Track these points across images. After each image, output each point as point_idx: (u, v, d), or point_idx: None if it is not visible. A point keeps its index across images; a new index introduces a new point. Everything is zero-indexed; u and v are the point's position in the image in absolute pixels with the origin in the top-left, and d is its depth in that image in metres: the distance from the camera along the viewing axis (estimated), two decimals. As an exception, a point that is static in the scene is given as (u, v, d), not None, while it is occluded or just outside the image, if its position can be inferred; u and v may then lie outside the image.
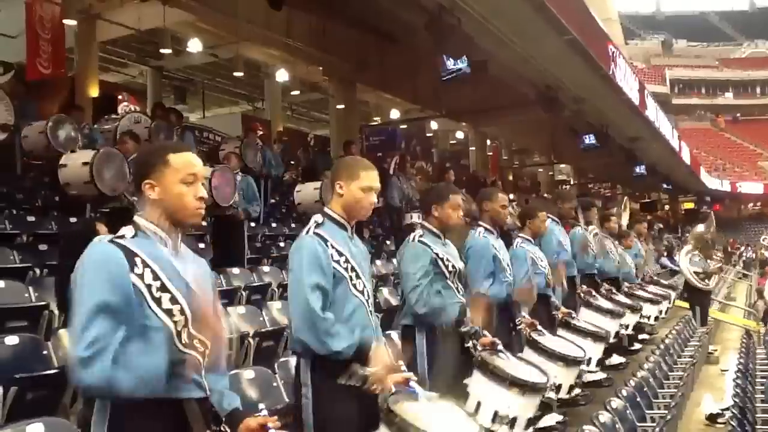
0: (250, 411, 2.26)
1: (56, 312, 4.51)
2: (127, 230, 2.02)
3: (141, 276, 1.93)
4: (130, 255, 1.93)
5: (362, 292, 2.81)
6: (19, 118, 7.32)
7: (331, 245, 2.75)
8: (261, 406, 2.20)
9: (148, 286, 1.93)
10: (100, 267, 1.90)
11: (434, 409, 2.49)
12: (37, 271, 5.31)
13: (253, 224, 7.77)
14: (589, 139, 14.75)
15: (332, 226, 2.83)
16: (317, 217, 2.87)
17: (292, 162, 12.26)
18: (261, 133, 12.29)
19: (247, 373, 4.02)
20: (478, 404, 3.19)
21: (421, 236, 3.66)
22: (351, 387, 2.65)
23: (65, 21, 11.87)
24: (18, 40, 12.57)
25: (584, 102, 13.86)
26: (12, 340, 3.89)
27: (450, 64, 9.55)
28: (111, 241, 1.96)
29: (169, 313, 1.95)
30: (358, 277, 2.80)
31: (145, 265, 1.94)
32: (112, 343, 1.85)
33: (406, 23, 10.10)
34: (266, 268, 6.92)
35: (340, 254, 2.76)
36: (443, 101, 14.91)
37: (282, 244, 8.57)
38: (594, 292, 5.95)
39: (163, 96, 17.44)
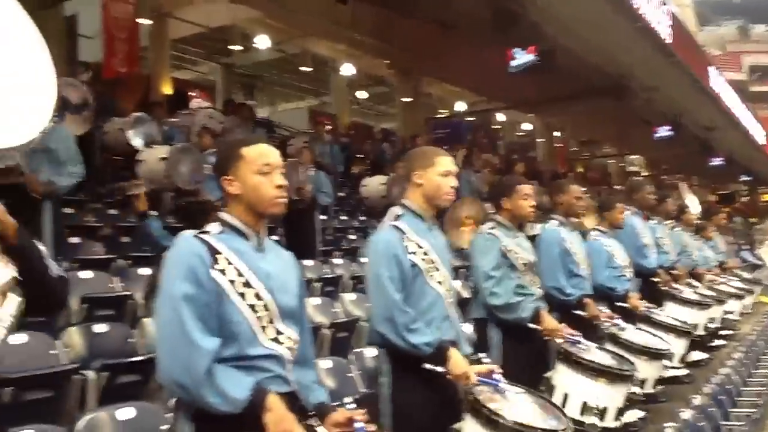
0: (337, 404, 2.29)
1: (140, 301, 4.67)
2: (213, 226, 2.05)
3: (223, 272, 1.96)
4: (213, 251, 1.97)
5: (441, 284, 2.80)
6: (99, 115, 7.61)
7: (409, 237, 2.75)
8: (348, 399, 2.21)
9: (231, 282, 1.96)
10: (181, 261, 1.95)
11: (517, 400, 2.47)
12: (121, 262, 5.52)
13: (323, 217, 7.86)
14: (663, 129, 14.30)
15: (411, 217, 2.83)
16: (396, 209, 2.88)
17: (360, 155, 12.34)
18: (329, 127, 12.39)
19: (324, 363, 4.08)
20: (565, 396, 3.14)
21: (491, 229, 3.62)
22: (429, 377, 2.66)
23: (139, 20, 12.24)
24: (95, 41, 13.06)
25: (656, 90, 13.44)
26: (101, 327, 4.06)
27: (517, 54, 9.43)
28: (196, 236, 2.00)
29: (252, 308, 1.98)
30: (436, 269, 2.79)
31: (228, 261, 1.97)
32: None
33: (471, 13, 10.00)
34: (338, 260, 6.99)
35: (419, 246, 2.76)
36: (510, 92, 14.72)
37: (352, 237, 8.64)
38: (676, 284, 5.77)
39: (232, 92, 17.82)
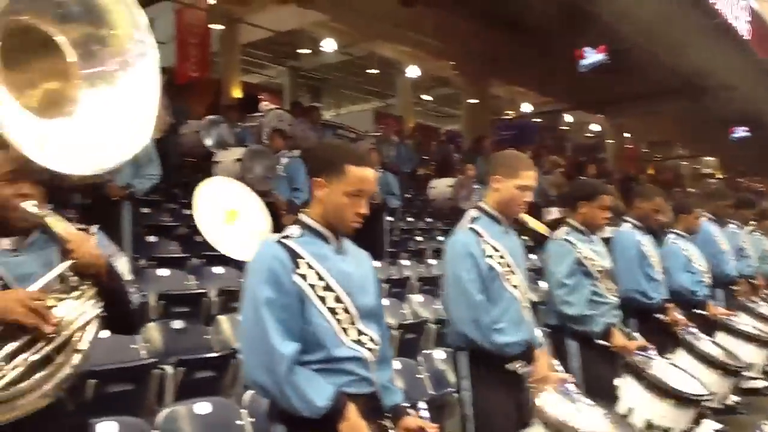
0: (410, 408, 2.29)
1: (214, 299, 4.79)
2: (294, 229, 2.08)
3: (304, 276, 1.99)
4: (294, 256, 2.00)
5: (517, 288, 2.78)
6: (175, 119, 7.86)
7: (486, 240, 2.74)
8: (422, 405, 2.23)
9: (312, 286, 1.99)
10: (264, 266, 1.98)
11: (588, 412, 2.43)
12: (195, 260, 5.67)
13: (390, 218, 7.89)
14: (740, 130, 13.77)
15: (487, 220, 2.82)
16: (473, 212, 2.88)
17: (425, 157, 12.34)
18: (395, 129, 12.44)
19: (393, 365, 4.08)
20: (630, 410, 3.06)
21: (567, 234, 3.55)
22: (509, 380, 2.64)
23: (211, 26, 12.58)
24: (167, 47, 13.49)
25: (734, 90, 12.97)
26: (178, 324, 4.19)
27: (587, 53, 9.25)
28: (278, 241, 2.03)
29: (333, 311, 2.00)
30: (512, 272, 2.78)
31: (309, 266, 2.00)
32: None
33: (539, 13, 9.88)
34: (406, 262, 7.01)
35: (495, 249, 2.75)
36: (578, 92, 14.46)
37: (419, 238, 8.65)
38: (754, 297, 5.54)
39: (299, 95, 18.09)
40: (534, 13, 9.92)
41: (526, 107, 18.92)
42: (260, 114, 8.86)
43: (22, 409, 1.70)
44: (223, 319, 4.40)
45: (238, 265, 5.83)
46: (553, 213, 8.38)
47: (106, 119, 1.95)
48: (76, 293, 1.80)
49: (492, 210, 2.83)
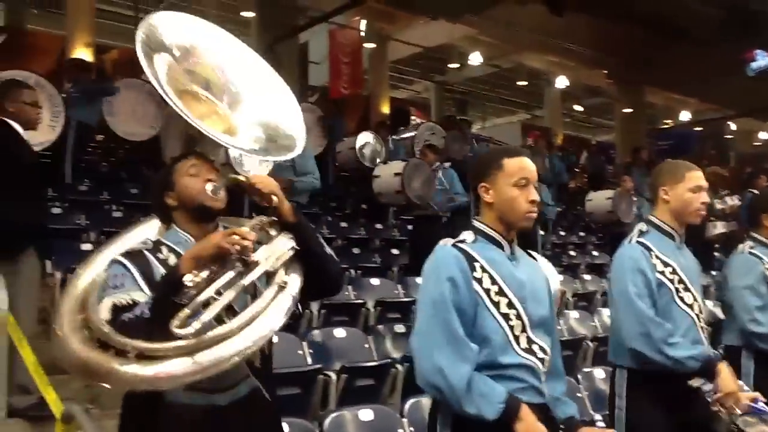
0: (584, 420, 2.24)
1: (372, 310, 4.94)
2: (467, 234, 2.10)
3: (480, 281, 2.00)
4: (471, 260, 2.02)
5: (691, 306, 2.64)
6: (331, 134, 8.22)
7: (656, 255, 2.63)
8: (597, 416, 2.17)
9: (487, 291, 1.99)
10: (443, 268, 2.01)
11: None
12: (353, 272, 5.88)
13: (542, 232, 7.75)
14: None
15: (658, 234, 2.70)
16: (641, 226, 2.77)
17: (576, 169, 12.00)
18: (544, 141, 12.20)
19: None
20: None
21: (752, 248, 3.31)
22: (670, 400, 2.52)
23: (363, 45, 13.03)
24: (321, 66, 14.13)
25: None
26: (340, 332, 4.35)
27: (759, 56, 8.61)
28: (454, 245, 2.06)
29: (506, 317, 2.00)
30: (686, 289, 2.63)
31: (484, 270, 2.01)
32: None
33: (699, 16, 9.33)
34: (559, 277, 6.84)
35: (666, 264, 2.63)
36: (745, 98, 13.46)
37: (572, 253, 8.42)
38: None
39: (445, 109, 18.24)
40: (694, 14, 9.39)
41: (685, 115, 17.91)
42: (412, 128, 9.03)
43: (227, 350, 1.72)
44: (383, 329, 4.53)
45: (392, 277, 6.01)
46: (719, 227, 7.86)
47: (261, 127, 2.14)
48: (268, 234, 1.93)
49: (663, 224, 2.72)
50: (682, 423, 2.55)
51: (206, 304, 1.75)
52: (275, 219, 1.95)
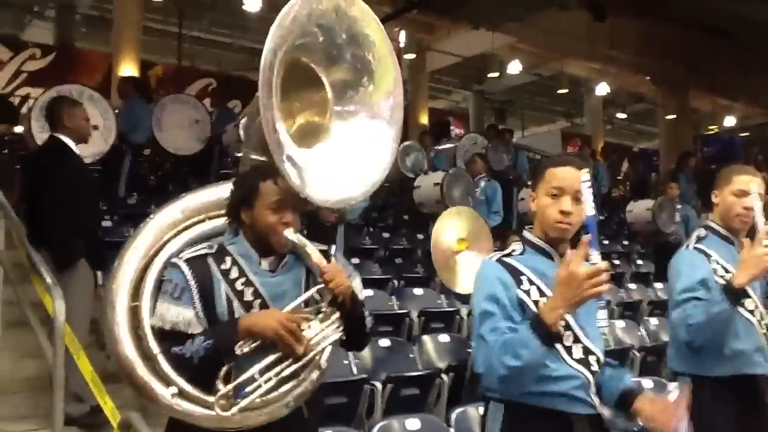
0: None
1: (416, 320, 4.95)
2: (516, 246, 2.10)
3: (528, 292, 1.99)
4: (516, 273, 2.01)
5: (752, 312, 2.60)
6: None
7: (715, 260, 2.60)
8: (672, 385, 2.14)
9: (535, 303, 1.98)
10: (487, 284, 2.01)
11: None
12: (396, 282, 5.90)
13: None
14: None
15: (715, 239, 2.67)
16: (699, 231, 2.75)
17: (618, 177, 11.84)
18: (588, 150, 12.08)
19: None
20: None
21: None
22: (733, 408, 2.48)
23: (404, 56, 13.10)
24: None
25: None
26: (384, 342, 4.37)
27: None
28: (498, 260, 2.06)
29: None
30: (748, 295, 2.60)
31: (531, 282, 2.00)
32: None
33: (747, 17, 9.14)
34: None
35: (726, 270, 2.58)
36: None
37: (617, 262, 8.30)
38: None
39: (484, 118, 18.17)
40: (741, 17, 9.20)
41: (729, 121, 17.53)
42: (454, 139, 9.03)
43: (267, 416, 1.90)
44: (427, 339, 4.53)
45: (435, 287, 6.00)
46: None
47: (353, 152, 2.15)
48: (321, 315, 1.98)
49: (721, 228, 2.69)
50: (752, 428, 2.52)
51: (251, 378, 1.88)
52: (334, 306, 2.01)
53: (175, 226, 2.17)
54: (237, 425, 1.88)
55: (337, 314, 1.99)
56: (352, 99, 2.18)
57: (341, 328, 1.99)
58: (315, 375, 1.97)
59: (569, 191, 2.03)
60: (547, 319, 1.84)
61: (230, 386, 1.86)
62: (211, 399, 1.86)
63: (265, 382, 1.88)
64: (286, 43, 1.97)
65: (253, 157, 2.25)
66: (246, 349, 1.87)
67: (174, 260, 1.99)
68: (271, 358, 1.90)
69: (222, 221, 2.15)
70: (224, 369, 1.88)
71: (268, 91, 1.89)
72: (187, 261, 1.96)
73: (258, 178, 2.01)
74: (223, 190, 2.17)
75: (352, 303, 2.03)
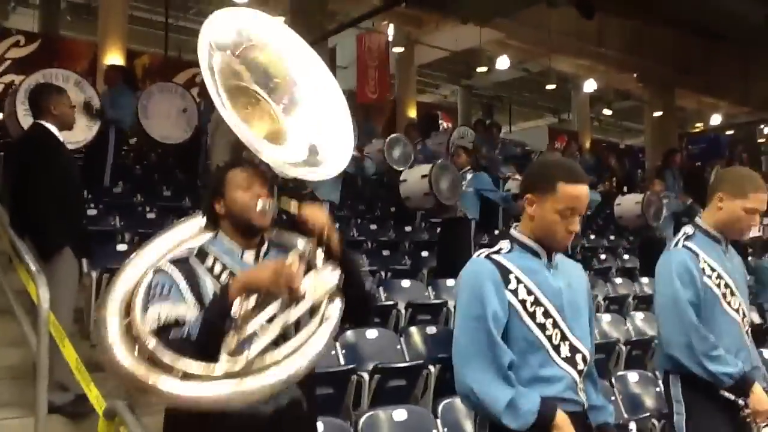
0: (619, 427, 2.22)
1: (403, 312, 4.95)
2: (504, 244, 2.07)
3: (515, 292, 1.97)
4: (505, 271, 1.99)
5: (737, 311, 2.61)
6: (361, 138, 8.24)
7: (703, 259, 2.60)
8: (632, 426, 2.15)
9: (522, 302, 1.97)
10: (475, 283, 1.99)
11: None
12: (383, 274, 5.90)
13: (572, 236, 7.70)
14: None
15: (704, 238, 2.66)
16: (687, 229, 2.73)
17: (605, 173, 11.87)
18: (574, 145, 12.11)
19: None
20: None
21: None
22: (727, 407, 2.48)
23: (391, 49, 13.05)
24: (348, 71, 14.17)
25: None
26: (371, 333, 4.36)
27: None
28: (487, 256, 2.04)
29: (542, 327, 1.97)
30: (732, 294, 2.60)
31: (519, 280, 1.98)
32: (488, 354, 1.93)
33: (739, 18, 9.19)
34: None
35: (713, 269, 2.59)
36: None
37: (603, 257, 8.35)
38: None
39: (472, 113, 18.20)
40: (733, 17, 9.25)
41: (715, 119, 17.67)
42: (442, 133, 9.04)
43: (273, 378, 1.77)
44: (414, 331, 4.53)
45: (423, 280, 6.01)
46: (753, 231, 7.72)
47: (312, 137, 2.16)
48: (315, 270, 1.92)
49: (710, 228, 2.68)
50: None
51: (253, 334, 1.78)
52: (322, 250, 1.95)
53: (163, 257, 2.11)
54: (249, 392, 1.75)
55: (331, 261, 1.94)
56: (274, 90, 2.20)
57: (337, 273, 1.93)
58: (326, 329, 1.88)
59: (580, 211, 2.01)
60: None
61: (234, 341, 1.76)
62: (215, 365, 1.75)
63: (270, 332, 1.80)
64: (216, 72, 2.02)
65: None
66: (242, 311, 1.78)
67: (157, 266, 1.96)
68: (270, 308, 1.82)
69: (196, 238, 2.11)
70: (226, 338, 1.78)
71: (219, 103, 1.93)
72: (172, 262, 1.95)
73: (224, 170, 2.01)
74: (188, 228, 2.15)
75: (342, 249, 1.99)
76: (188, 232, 2.14)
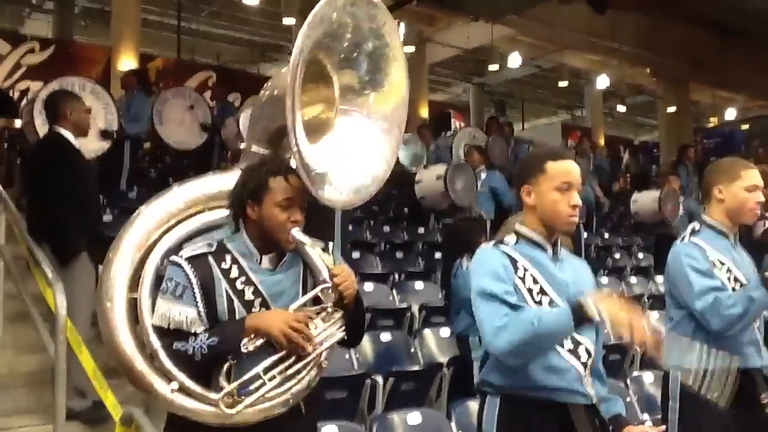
0: (633, 418, 2.22)
1: (417, 314, 4.95)
2: (509, 237, 2.11)
3: (523, 279, 2.02)
4: (513, 260, 2.04)
5: None
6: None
7: (710, 254, 2.60)
8: (645, 416, 2.15)
9: (529, 290, 2.01)
10: (490, 264, 2.03)
11: None
12: (396, 276, 5.89)
13: (585, 234, 7.65)
14: None
15: (711, 233, 2.67)
16: (694, 224, 2.75)
17: (618, 170, 11.81)
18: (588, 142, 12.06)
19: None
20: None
21: None
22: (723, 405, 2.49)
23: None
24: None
25: None
26: (385, 336, 4.38)
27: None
28: (495, 246, 2.08)
29: None
30: (742, 287, 2.60)
31: (526, 269, 2.03)
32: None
33: (754, 13, 9.10)
34: (604, 279, 6.74)
35: (721, 263, 2.60)
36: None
37: (617, 255, 8.29)
38: None
39: (485, 110, 18.12)
40: (748, 12, 9.16)
41: (730, 114, 17.51)
42: (453, 133, 9.01)
43: (266, 413, 1.90)
44: (428, 333, 4.54)
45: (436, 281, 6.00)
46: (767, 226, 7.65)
47: (354, 148, 2.15)
48: (323, 315, 1.95)
49: (716, 223, 2.68)
50: (740, 425, 2.52)
51: (254, 377, 1.87)
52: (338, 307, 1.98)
53: (174, 216, 2.16)
54: (237, 422, 1.88)
55: (341, 314, 1.97)
56: (355, 102, 2.20)
57: (344, 329, 1.98)
58: (314, 373, 1.96)
59: (576, 185, 2.07)
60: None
61: (235, 384, 1.85)
62: (213, 396, 1.86)
63: (270, 380, 1.87)
64: (314, 40, 2.01)
65: (254, 149, 2.23)
66: (251, 347, 1.86)
67: (175, 258, 1.97)
68: (274, 357, 1.89)
69: (221, 214, 2.13)
70: (225, 366, 1.88)
71: (293, 78, 1.91)
72: (188, 260, 1.95)
73: (268, 173, 1.96)
74: (223, 181, 2.16)
75: (356, 305, 2.02)
76: (216, 188, 2.18)
